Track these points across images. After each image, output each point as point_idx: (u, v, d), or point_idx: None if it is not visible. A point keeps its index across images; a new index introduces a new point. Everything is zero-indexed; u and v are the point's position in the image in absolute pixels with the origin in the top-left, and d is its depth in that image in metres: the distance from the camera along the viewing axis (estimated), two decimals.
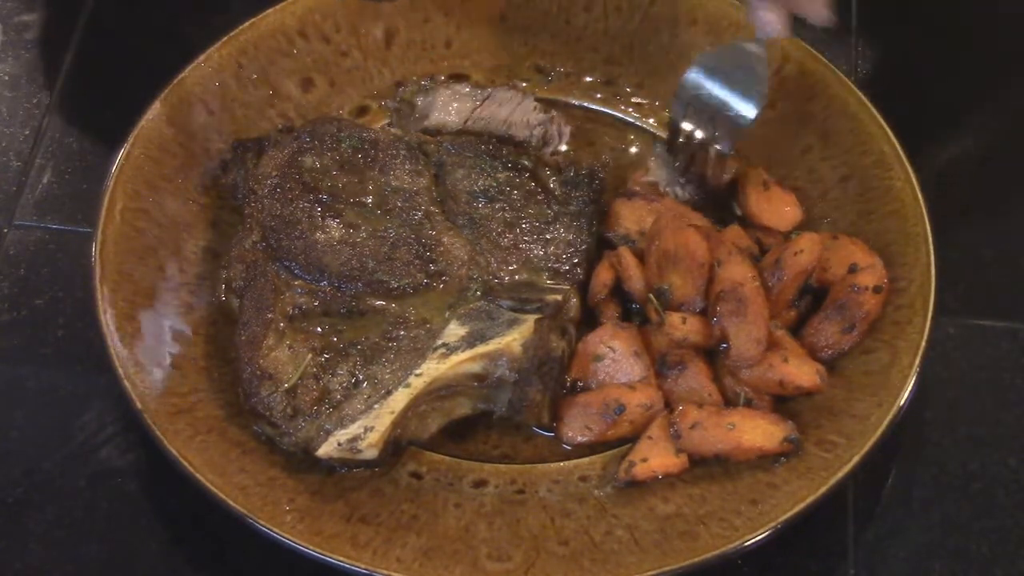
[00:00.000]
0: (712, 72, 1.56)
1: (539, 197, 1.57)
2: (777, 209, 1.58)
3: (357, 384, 1.42)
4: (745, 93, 1.55)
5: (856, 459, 1.37)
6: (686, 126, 1.59)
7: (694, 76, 1.57)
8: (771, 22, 1.51)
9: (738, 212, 1.62)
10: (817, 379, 1.44)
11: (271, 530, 1.34)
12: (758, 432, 1.40)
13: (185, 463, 1.36)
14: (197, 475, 1.36)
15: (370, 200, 1.55)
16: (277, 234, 1.52)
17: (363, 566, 1.32)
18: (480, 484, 1.43)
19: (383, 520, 1.38)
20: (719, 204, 1.62)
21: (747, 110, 1.55)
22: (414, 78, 1.72)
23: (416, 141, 1.61)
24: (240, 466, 1.39)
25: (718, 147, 1.58)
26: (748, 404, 1.44)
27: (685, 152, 1.60)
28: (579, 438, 1.45)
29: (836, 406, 1.43)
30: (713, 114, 1.56)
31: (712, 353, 1.47)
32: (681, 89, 1.58)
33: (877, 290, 1.48)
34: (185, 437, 1.39)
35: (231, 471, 1.38)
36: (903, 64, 1.82)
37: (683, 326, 1.45)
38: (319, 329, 1.46)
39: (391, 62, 1.73)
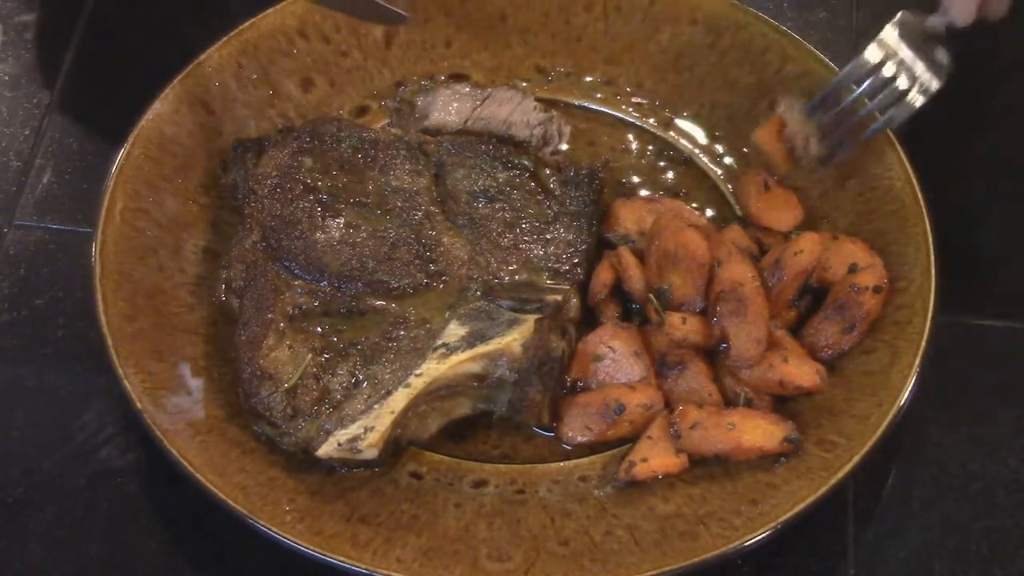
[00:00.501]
0: (908, 35, 1.53)
1: (539, 197, 1.57)
2: (778, 209, 1.58)
3: (357, 384, 1.42)
4: (931, 64, 1.53)
5: (856, 459, 1.37)
6: (862, 83, 1.55)
7: (895, 35, 1.53)
8: (963, 12, 1.50)
9: (738, 212, 1.62)
10: (817, 379, 1.44)
11: (271, 530, 1.33)
12: (758, 432, 1.40)
13: (185, 463, 1.36)
14: (197, 475, 1.36)
15: (370, 200, 1.55)
16: (277, 234, 1.52)
17: (363, 566, 1.32)
18: (480, 484, 1.43)
19: (383, 520, 1.38)
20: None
21: (932, 79, 1.53)
22: (414, 78, 1.72)
23: (416, 141, 1.61)
24: (240, 466, 1.39)
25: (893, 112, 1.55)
26: (748, 404, 1.44)
27: (840, 108, 1.56)
28: (579, 438, 1.45)
29: (836, 406, 1.43)
30: (901, 73, 1.53)
31: (712, 353, 1.47)
32: (878, 44, 1.54)
33: (877, 290, 1.48)
34: (185, 437, 1.39)
35: (231, 471, 1.38)
36: None
37: (683, 326, 1.45)
38: (319, 329, 1.46)
39: (391, 62, 1.73)
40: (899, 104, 1.54)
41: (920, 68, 1.53)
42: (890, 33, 1.54)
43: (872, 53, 1.54)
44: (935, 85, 1.53)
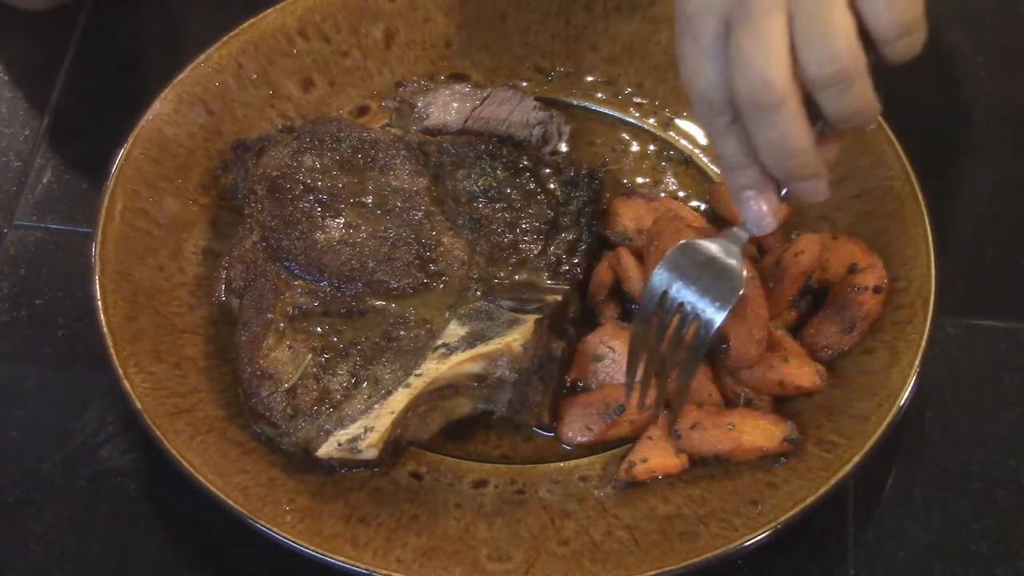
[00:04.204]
0: (681, 272, 1.37)
1: (539, 197, 1.57)
2: None
3: (357, 384, 1.42)
4: (715, 295, 1.36)
5: (856, 459, 1.37)
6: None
7: (663, 274, 1.37)
8: (764, 216, 1.34)
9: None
10: (817, 379, 1.44)
11: (271, 530, 1.33)
12: (758, 432, 1.40)
13: (185, 463, 1.36)
14: (197, 475, 1.36)
15: (370, 200, 1.56)
16: (277, 234, 1.52)
17: (363, 566, 1.32)
18: (480, 484, 1.43)
19: (383, 520, 1.38)
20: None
21: (715, 315, 1.35)
22: (414, 78, 1.72)
23: (416, 141, 1.61)
24: (240, 466, 1.39)
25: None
26: (748, 404, 1.44)
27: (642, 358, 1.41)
28: (579, 438, 1.45)
29: (836, 406, 1.43)
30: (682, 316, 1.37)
31: (712, 353, 1.47)
32: (648, 289, 1.38)
33: (877, 290, 1.48)
34: (185, 437, 1.39)
35: (231, 471, 1.38)
36: (902, 63, 1.81)
37: None
38: (319, 329, 1.46)
39: (391, 62, 1.73)
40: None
41: (706, 296, 1.36)
42: (665, 266, 1.37)
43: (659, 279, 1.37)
44: (725, 307, 1.36)
